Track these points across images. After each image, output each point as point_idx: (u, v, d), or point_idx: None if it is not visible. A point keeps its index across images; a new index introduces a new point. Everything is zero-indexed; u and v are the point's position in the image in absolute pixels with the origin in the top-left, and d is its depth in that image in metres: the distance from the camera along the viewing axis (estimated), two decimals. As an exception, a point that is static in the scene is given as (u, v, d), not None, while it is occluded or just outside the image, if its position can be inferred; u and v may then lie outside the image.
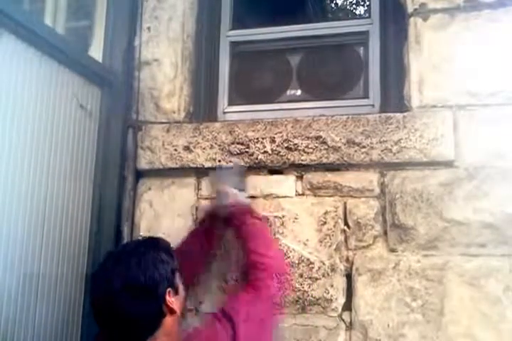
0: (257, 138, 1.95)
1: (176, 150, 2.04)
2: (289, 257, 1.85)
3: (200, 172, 2.04)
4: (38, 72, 1.66)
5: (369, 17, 2.17)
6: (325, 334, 1.78)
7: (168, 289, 1.31)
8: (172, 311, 1.30)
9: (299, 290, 1.82)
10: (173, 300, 1.31)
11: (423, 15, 1.91)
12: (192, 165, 2.01)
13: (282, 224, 1.90)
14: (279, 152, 1.92)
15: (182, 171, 2.04)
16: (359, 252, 1.82)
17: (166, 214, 2.04)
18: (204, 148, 2.00)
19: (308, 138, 1.90)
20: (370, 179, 1.86)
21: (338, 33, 2.20)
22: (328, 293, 1.80)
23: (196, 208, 2.01)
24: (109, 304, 1.25)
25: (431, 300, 1.71)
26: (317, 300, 1.80)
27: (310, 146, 1.89)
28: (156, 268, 1.30)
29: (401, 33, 1.99)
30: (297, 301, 1.82)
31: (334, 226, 1.85)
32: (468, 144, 1.77)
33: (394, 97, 2.01)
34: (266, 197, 1.94)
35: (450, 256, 1.72)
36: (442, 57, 1.86)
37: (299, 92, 2.23)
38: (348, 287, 1.81)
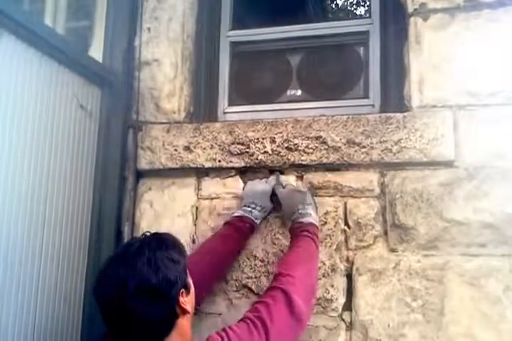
0: (257, 139, 1.95)
1: (176, 150, 2.04)
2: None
3: (200, 172, 2.04)
4: (38, 73, 1.66)
5: (369, 17, 2.17)
6: (325, 334, 1.77)
7: (182, 290, 1.26)
8: (185, 311, 1.26)
9: (300, 290, 1.82)
10: (185, 300, 1.27)
11: (423, 15, 1.91)
12: (192, 165, 2.01)
13: (283, 224, 1.89)
14: (280, 152, 1.92)
15: (182, 171, 2.04)
16: (359, 252, 1.82)
17: (167, 214, 2.04)
18: (204, 148, 2.00)
19: (308, 138, 1.90)
20: (370, 179, 1.86)
21: (338, 32, 2.20)
22: (329, 293, 1.80)
23: (196, 208, 2.01)
24: (121, 307, 1.19)
25: (431, 300, 1.71)
26: (317, 300, 1.80)
27: (310, 146, 1.89)
28: (168, 268, 1.24)
29: (401, 33, 1.99)
30: (297, 301, 1.82)
31: (334, 226, 1.85)
32: (469, 144, 1.77)
33: (394, 97, 2.01)
34: (266, 197, 1.94)
35: (450, 256, 1.72)
36: (442, 57, 1.85)
37: (299, 92, 2.23)
38: (348, 287, 1.81)
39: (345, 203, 1.87)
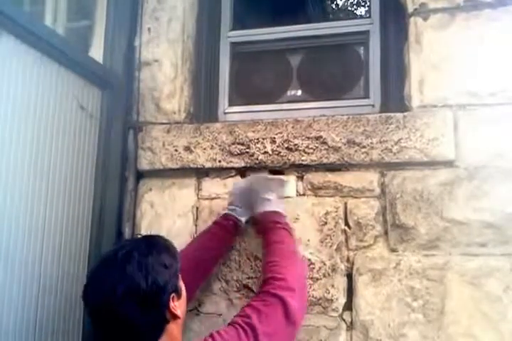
0: (258, 139, 1.95)
1: (176, 150, 2.04)
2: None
3: (200, 172, 2.04)
4: (38, 73, 1.66)
5: (369, 17, 2.17)
6: (326, 334, 1.77)
7: (172, 295, 1.25)
8: (175, 316, 1.25)
9: (300, 291, 1.82)
10: (176, 305, 1.25)
11: (423, 14, 1.90)
12: (192, 165, 2.01)
13: (283, 224, 1.89)
14: (280, 152, 1.92)
15: (182, 172, 2.04)
16: (360, 252, 1.82)
17: (167, 214, 2.04)
18: (204, 149, 2.00)
19: (308, 138, 1.90)
20: (370, 179, 1.86)
21: (339, 32, 2.20)
22: (329, 293, 1.80)
23: (197, 208, 2.01)
24: (110, 312, 1.18)
25: (432, 299, 1.70)
26: (318, 300, 1.80)
27: (310, 146, 1.89)
28: (158, 273, 1.22)
29: (401, 33, 1.99)
30: (298, 301, 1.82)
31: (335, 226, 1.85)
32: (469, 144, 1.77)
33: (394, 97, 2.01)
34: (266, 197, 1.94)
35: (451, 256, 1.72)
36: (442, 56, 1.85)
37: (299, 92, 2.23)
38: (348, 287, 1.81)
39: (346, 203, 1.87)
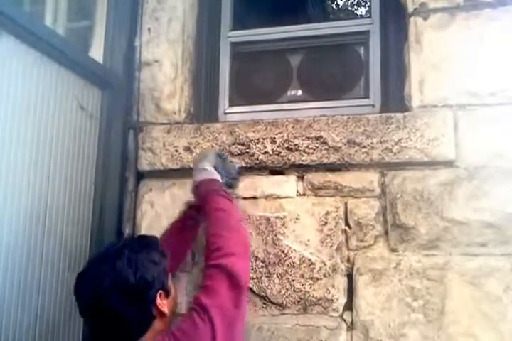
0: (258, 139, 1.95)
1: (176, 151, 2.04)
2: (290, 258, 1.85)
3: (200, 172, 2.04)
4: (38, 74, 1.66)
5: (369, 17, 2.17)
6: (326, 334, 1.77)
7: (160, 291, 1.29)
8: (162, 313, 1.28)
9: (300, 291, 1.82)
10: (164, 303, 1.29)
11: (423, 14, 1.90)
12: (193, 165, 2.01)
13: (283, 224, 1.89)
14: (280, 152, 1.92)
15: (183, 172, 2.04)
16: (360, 252, 1.82)
17: (167, 214, 2.04)
18: (205, 149, 2.00)
19: (308, 138, 1.90)
20: (370, 179, 1.86)
21: (339, 32, 2.21)
22: (330, 293, 1.80)
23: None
24: (98, 305, 1.23)
25: (432, 299, 1.70)
26: (318, 300, 1.80)
27: (311, 146, 1.89)
28: (147, 269, 1.27)
29: (401, 33, 1.99)
30: (298, 301, 1.82)
31: (335, 226, 1.85)
32: (469, 144, 1.77)
33: (394, 97, 2.01)
34: (267, 197, 1.94)
35: (451, 256, 1.72)
36: (443, 56, 1.85)
37: (299, 93, 2.23)
38: (349, 287, 1.81)
39: (346, 203, 1.87)
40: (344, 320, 1.79)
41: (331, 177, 1.89)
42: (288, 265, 1.85)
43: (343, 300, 1.80)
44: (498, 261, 1.68)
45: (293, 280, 1.83)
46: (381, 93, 2.07)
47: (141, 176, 2.12)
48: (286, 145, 1.92)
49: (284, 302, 1.83)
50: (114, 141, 2.03)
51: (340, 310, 1.80)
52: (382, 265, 1.78)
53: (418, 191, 1.78)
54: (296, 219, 1.89)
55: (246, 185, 1.97)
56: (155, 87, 2.15)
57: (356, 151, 1.85)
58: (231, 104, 2.26)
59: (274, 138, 1.94)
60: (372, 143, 1.83)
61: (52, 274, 1.70)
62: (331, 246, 1.84)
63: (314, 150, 1.89)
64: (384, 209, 1.83)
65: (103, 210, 1.96)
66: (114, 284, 1.22)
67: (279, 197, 1.93)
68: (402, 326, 1.71)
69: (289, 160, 1.91)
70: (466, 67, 1.83)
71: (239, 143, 1.97)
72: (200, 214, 1.77)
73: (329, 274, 1.82)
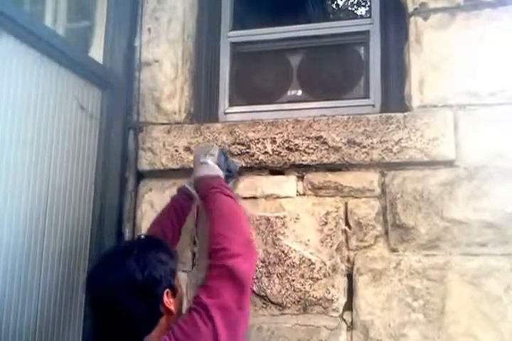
0: (258, 139, 1.95)
1: (176, 151, 2.04)
2: (290, 257, 1.85)
3: (200, 172, 2.04)
4: (38, 74, 1.66)
5: (369, 17, 2.17)
6: (326, 334, 1.77)
7: (166, 290, 1.30)
8: (169, 312, 1.30)
9: (301, 291, 1.82)
10: (171, 301, 1.30)
11: (423, 14, 1.90)
12: (193, 165, 2.01)
13: (283, 224, 1.89)
14: (280, 152, 1.92)
15: (183, 172, 2.04)
16: (360, 252, 1.82)
17: (167, 214, 2.04)
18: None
19: (308, 138, 1.90)
20: (370, 179, 1.86)
21: (339, 32, 2.21)
22: (330, 293, 1.80)
23: (197, 208, 2.00)
24: (107, 301, 1.26)
25: (432, 299, 1.70)
26: (318, 300, 1.80)
27: (311, 147, 1.89)
28: (154, 267, 1.29)
29: (401, 33, 1.99)
30: (298, 301, 1.82)
31: (335, 226, 1.85)
32: (469, 144, 1.77)
33: (394, 97, 2.01)
34: (267, 197, 1.94)
35: (451, 256, 1.72)
36: (443, 56, 1.85)
37: (299, 93, 2.23)
38: (349, 287, 1.81)
39: (346, 203, 1.87)
40: (344, 320, 1.79)
41: (331, 177, 1.89)
42: (288, 265, 1.85)
43: (343, 300, 1.80)
44: (498, 261, 1.68)
45: (293, 280, 1.83)
46: (381, 93, 2.07)
47: (141, 176, 2.12)
48: (286, 145, 1.92)
49: (284, 302, 1.83)
50: (114, 141, 2.03)
51: (340, 310, 1.80)
52: (383, 265, 1.78)
53: (418, 191, 1.78)
54: (296, 219, 1.89)
55: (246, 185, 1.97)
56: (155, 87, 2.15)
57: (356, 151, 1.85)
58: (231, 104, 2.26)
59: (274, 138, 1.94)
60: (372, 143, 1.83)
61: (52, 274, 1.70)
62: (331, 246, 1.84)
63: (314, 150, 1.89)
64: (384, 209, 1.83)
65: (103, 210, 1.96)
66: (123, 282, 1.25)
67: (279, 197, 1.93)
68: (402, 326, 1.71)
69: (289, 160, 1.91)
70: (466, 67, 1.83)
71: (239, 143, 1.97)
72: (191, 201, 1.83)
73: (329, 274, 1.82)
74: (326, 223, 1.86)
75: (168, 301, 1.30)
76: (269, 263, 1.88)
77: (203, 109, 2.24)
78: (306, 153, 1.90)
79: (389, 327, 1.72)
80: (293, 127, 1.93)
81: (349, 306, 1.80)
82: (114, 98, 2.05)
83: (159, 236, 1.62)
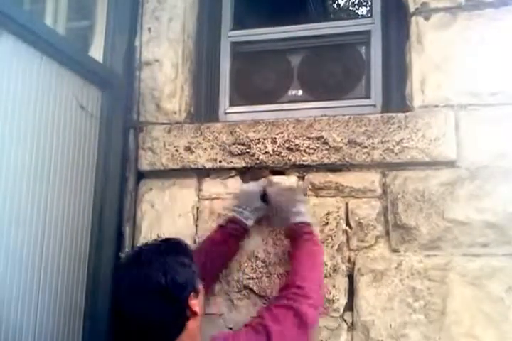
0: (258, 139, 1.95)
1: (177, 150, 2.03)
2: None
3: (201, 172, 2.04)
4: (38, 73, 1.65)
5: (371, 16, 2.17)
6: (327, 334, 1.77)
7: (191, 293, 1.31)
8: (195, 314, 1.30)
9: (301, 291, 1.82)
10: (195, 303, 1.31)
11: (425, 14, 1.90)
12: (193, 165, 2.01)
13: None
14: (281, 152, 1.92)
15: (183, 172, 2.04)
16: (361, 252, 1.81)
17: (167, 214, 2.04)
18: (205, 149, 2.00)
19: (309, 138, 1.90)
20: (371, 179, 1.85)
21: (340, 32, 2.20)
22: (330, 293, 1.80)
23: (197, 208, 2.00)
24: (133, 307, 1.26)
25: (433, 300, 1.70)
26: (319, 300, 1.80)
27: (311, 147, 1.89)
28: (177, 271, 1.30)
29: (403, 33, 1.99)
30: (299, 302, 1.82)
31: (336, 226, 1.85)
32: (470, 144, 1.76)
33: (396, 97, 2.01)
34: (267, 197, 1.94)
35: (452, 256, 1.72)
36: (444, 56, 1.85)
37: (300, 92, 2.22)
38: (349, 287, 1.81)
39: (347, 203, 1.86)
40: (345, 321, 1.78)
41: (332, 177, 1.89)
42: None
43: (343, 300, 1.80)
44: (500, 262, 1.68)
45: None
46: (382, 93, 2.06)
47: (141, 176, 2.12)
48: (286, 146, 1.91)
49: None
50: (114, 141, 2.02)
51: (341, 311, 1.79)
52: (383, 265, 1.77)
53: (419, 191, 1.78)
54: (297, 219, 1.88)
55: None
56: (155, 86, 2.14)
57: (357, 151, 1.84)
58: (231, 104, 2.25)
59: (275, 138, 1.93)
60: (373, 143, 1.83)
61: (52, 274, 1.70)
62: (332, 247, 1.83)
63: (315, 150, 1.88)
64: (385, 210, 1.82)
65: (103, 210, 1.96)
66: (149, 288, 1.26)
67: (279, 197, 1.92)
68: (403, 326, 1.71)
69: (289, 160, 1.91)
70: (467, 67, 1.82)
71: (239, 143, 1.97)
72: (241, 233, 1.83)
73: (330, 274, 1.81)
74: (327, 223, 1.85)
75: (194, 303, 1.30)
76: (270, 263, 1.87)
77: (204, 108, 2.24)
78: (306, 153, 1.89)
79: (390, 328, 1.71)
80: (294, 127, 1.93)
81: (350, 306, 1.79)
82: (114, 97, 2.04)
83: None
